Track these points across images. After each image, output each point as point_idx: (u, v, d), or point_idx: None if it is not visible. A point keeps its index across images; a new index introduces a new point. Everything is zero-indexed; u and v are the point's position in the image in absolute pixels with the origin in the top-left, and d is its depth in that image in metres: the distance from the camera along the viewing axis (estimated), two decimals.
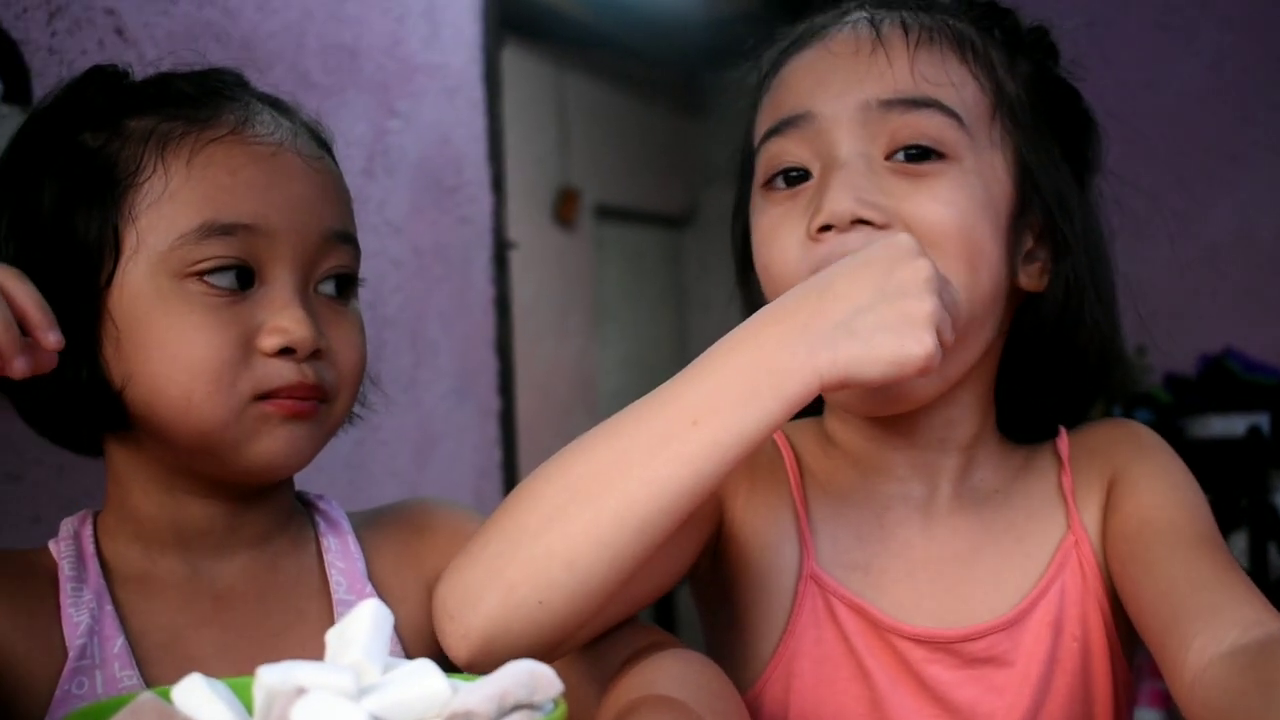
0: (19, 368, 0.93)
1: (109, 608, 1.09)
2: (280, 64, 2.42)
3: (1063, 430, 1.23)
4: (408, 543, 1.23)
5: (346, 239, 1.16)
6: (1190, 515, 1.11)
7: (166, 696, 0.73)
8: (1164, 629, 1.02)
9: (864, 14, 1.16)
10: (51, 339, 0.94)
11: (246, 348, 1.07)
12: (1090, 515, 1.16)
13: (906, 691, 1.13)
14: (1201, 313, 4.22)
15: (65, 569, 1.10)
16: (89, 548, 1.12)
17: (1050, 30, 1.22)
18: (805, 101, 1.13)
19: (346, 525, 1.23)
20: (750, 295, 1.24)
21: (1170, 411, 4.01)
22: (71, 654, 1.05)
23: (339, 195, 1.17)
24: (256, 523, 1.16)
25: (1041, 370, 1.20)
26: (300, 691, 0.66)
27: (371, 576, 1.19)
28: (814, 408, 1.28)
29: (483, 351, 2.79)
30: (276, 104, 1.20)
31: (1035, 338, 1.18)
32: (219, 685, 0.73)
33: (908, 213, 1.08)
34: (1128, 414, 4.03)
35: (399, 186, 2.67)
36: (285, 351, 1.08)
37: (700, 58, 7.55)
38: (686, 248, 7.94)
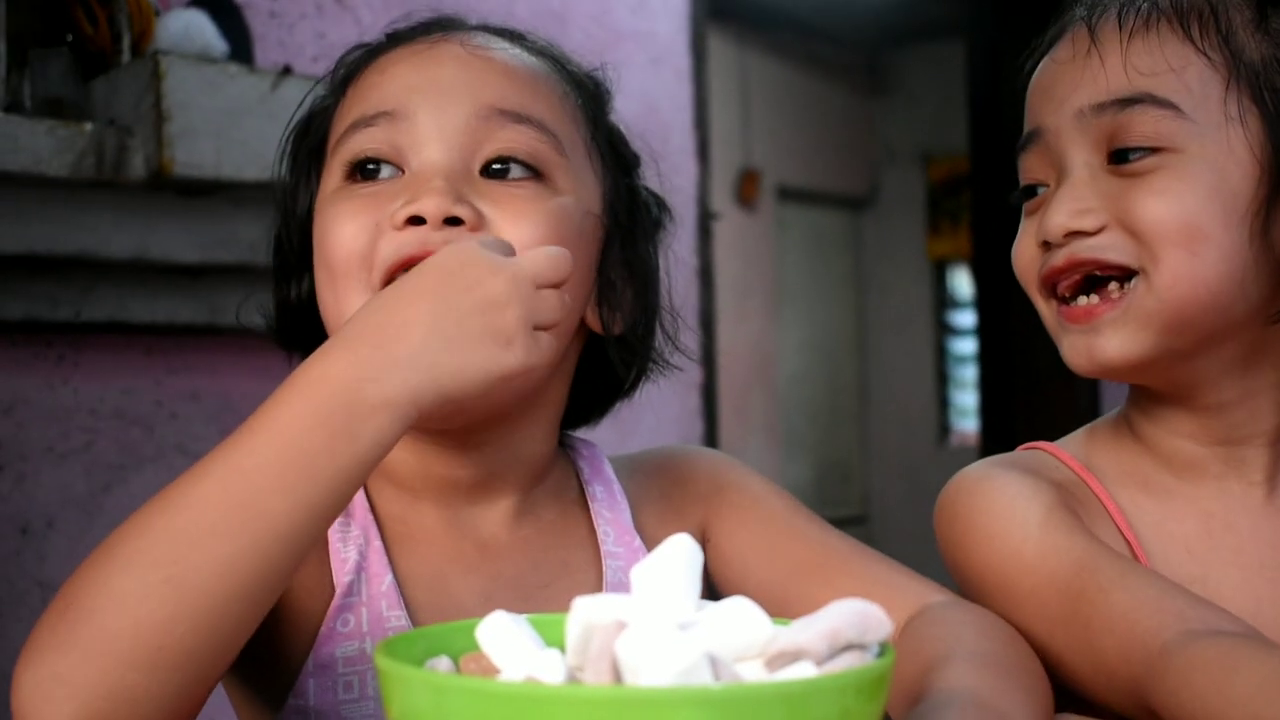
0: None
1: (377, 543, 1.06)
2: None
3: None
4: (669, 494, 1.17)
5: (520, 119, 1.06)
6: None
7: (469, 631, 0.71)
8: None
9: (1090, 5, 1.11)
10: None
11: (380, 231, 1.02)
12: None
13: None
14: None
15: None
16: None
17: None
18: (1037, 117, 1.12)
19: (610, 471, 1.18)
20: None
21: None
22: (339, 590, 1.03)
23: (511, 76, 1.09)
24: (508, 469, 1.11)
25: None
26: (622, 625, 0.63)
27: (636, 526, 1.14)
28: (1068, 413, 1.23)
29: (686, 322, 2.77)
30: (490, 28, 1.14)
31: None
32: (524, 622, 0.71)
33: (1122, 211, 1.05)
34: None
35: None
36: (415, 222, 1.01)
37: (884, 37, 7.48)
38: (867, 229, 7.86)
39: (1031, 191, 1.13)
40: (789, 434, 7.10)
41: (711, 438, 2.72)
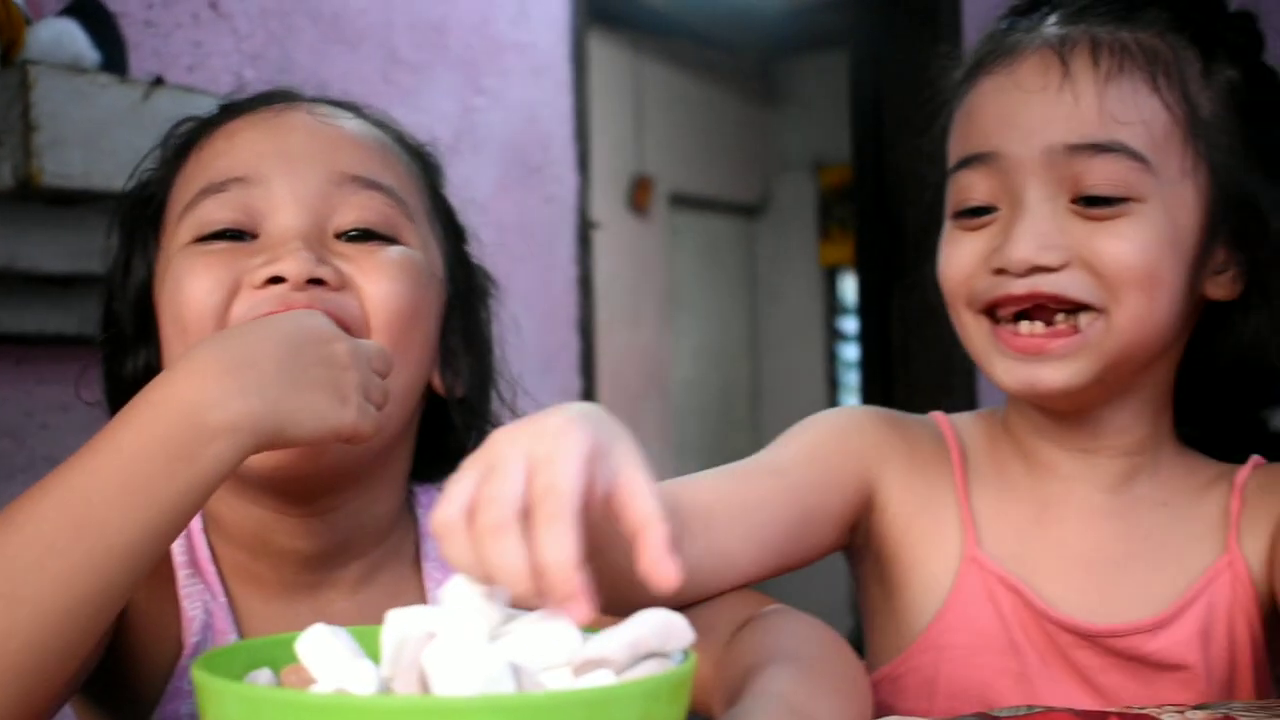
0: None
1: (223, 599, 1.08)
2: (369, 40, 2.43)
3: (1254, 461, 1.21)
4: None
5: (372, 185, 1.10)
6: None
7: (291, 645, 0.73)
8: None
9: (1054, 33, 1.13)
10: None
11: (235, 288, 1.05)
12: (1253, 544, 1.15)
13: (1055, 669, 1.14)
14: None
15: (177, 554, 1.09)
16: (199, 539, 1.11)
17: (1258, 17, 1.17)
18: (992, 139, 1.12)
19: None
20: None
21: None
22: (186, 650, 1.05)
23: (359, 144, 1.13)
24: (353, 538, 1.12)
25: (1223, 376, 1.19)
26: (431, 636, 0.66)
27: None
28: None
29: (565, 331, 2.79)
30: (331, 100, 1.19)
31: (1224, 347, 1.17)
32: (343, 634, 0.73)
33: (1089, 252, 1.08)
34: None
35: (485, 164, 2.67)
36: (276, 282, 1.04)
37: (776, 45, 7.54)
38: (760, 236, 7.92)
39: (980, 210, 1.13)
40: (682, 440, 7.14)
41: None
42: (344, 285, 1.06)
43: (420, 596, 1.14)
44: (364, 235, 1.09)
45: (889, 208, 3.83)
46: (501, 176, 2.74)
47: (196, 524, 1.11)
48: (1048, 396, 1.11)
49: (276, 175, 1.08)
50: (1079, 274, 1.08)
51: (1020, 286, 1.09)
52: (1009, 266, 1.09)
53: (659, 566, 0.70)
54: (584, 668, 0.67)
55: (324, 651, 0.71)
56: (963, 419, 1.26)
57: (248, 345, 0.92)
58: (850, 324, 7.74)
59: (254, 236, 1.07)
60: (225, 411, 0.88)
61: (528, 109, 2.79)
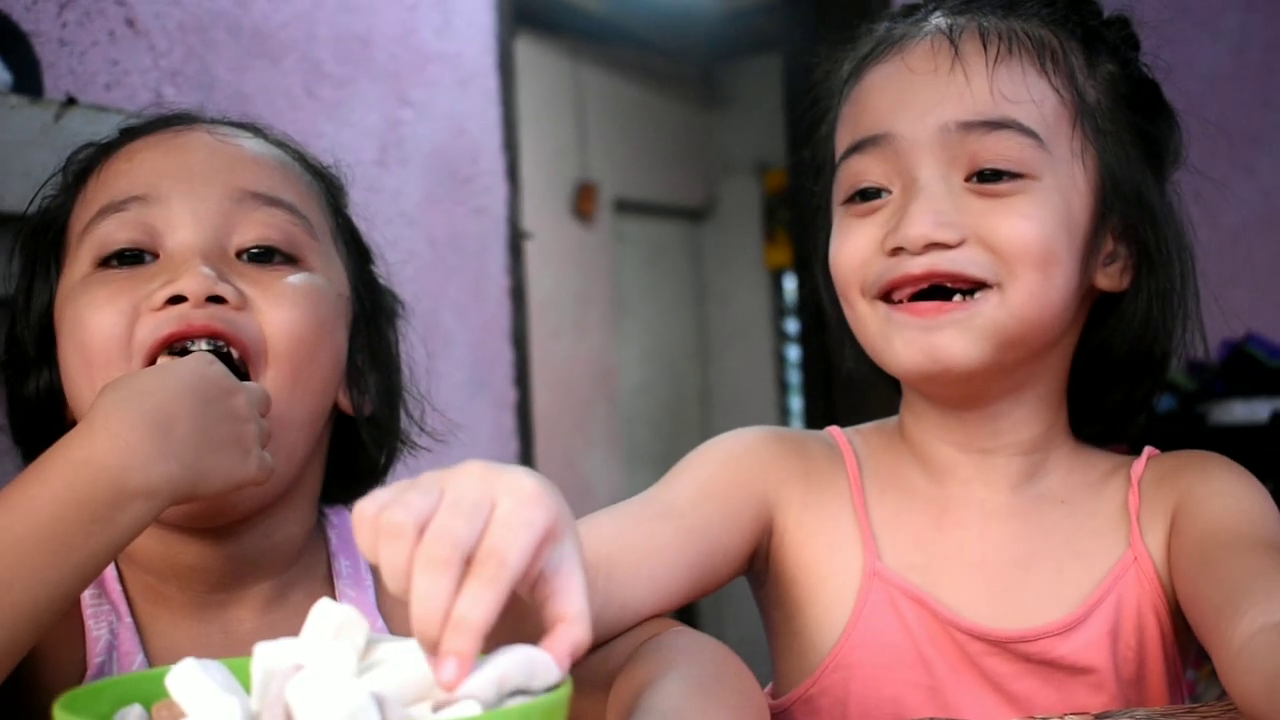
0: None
1: (128, 620, 1.07)
2: (292, 54, 2.41)
3: (1148, 453, 1.22)
4: None
5: (273, 202, 1.11)
6: (1258, 523, 1.09)
7: (161, 680, 0.72)
8: (1216, 611, 1.00)
9: (942, 22, 1.15)
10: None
11: (136, 315, 1.05)
12: (1154, 538, 1.16)
13: (966, 679, 1.14)
14: (1224, 298, 4.15)
15: None
16: None
17: (1131, 20, 1.21)
18: (885, 121, 1.12)
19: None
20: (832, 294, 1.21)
21: (1193, 398, 3.97)
22: (90, 671, 1.04)
23: (261, 162, 1.14)
24: (262, 556, 1.12)
25: (1117, 367, 1.20)
26: (298, 668, 0.65)
27: (380, 604, 1.16)
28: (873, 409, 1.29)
29: (498, 342, 2.78)
30: (231, 121, 1.20)
31: (1117, 336, 1.19)
32: (215, 667, 0.71)
33: (986, 229, 1.08)
34: None
35: (413, 177, 2.66)
36: (177, 301, 1.05)
37: (717, 49, 7.55)
38: (706, 240, 7.92)
39: (873, 193, 1.14)
40: (632, 446, 7.12)
41: (527, 457, 2.73)
42: (244, 305, 1.06)
43: None
44: (266, 255, 1.10)
45: (815, 197, 3.83)
46: (430, 189, 2.72)
47: None
48: (947, 372, 1.10)
49: (176, 193, 1.08)
50: (976, 251, 1.08)
51: (918, 266, 1.09)
52: (906, 244, 1.08)
53: (562, 662, 0.71)
54: (446, 702, 0.66)
55: (194, 686, 0.69)
56: (859, 430, 1.26)
57: (161, 403, 0.93)
58: (797, 325, 7.75)
59: (155, 256, 1.08)
60: (146, 476, 0.90)
61: (455, 120, 2.77)
